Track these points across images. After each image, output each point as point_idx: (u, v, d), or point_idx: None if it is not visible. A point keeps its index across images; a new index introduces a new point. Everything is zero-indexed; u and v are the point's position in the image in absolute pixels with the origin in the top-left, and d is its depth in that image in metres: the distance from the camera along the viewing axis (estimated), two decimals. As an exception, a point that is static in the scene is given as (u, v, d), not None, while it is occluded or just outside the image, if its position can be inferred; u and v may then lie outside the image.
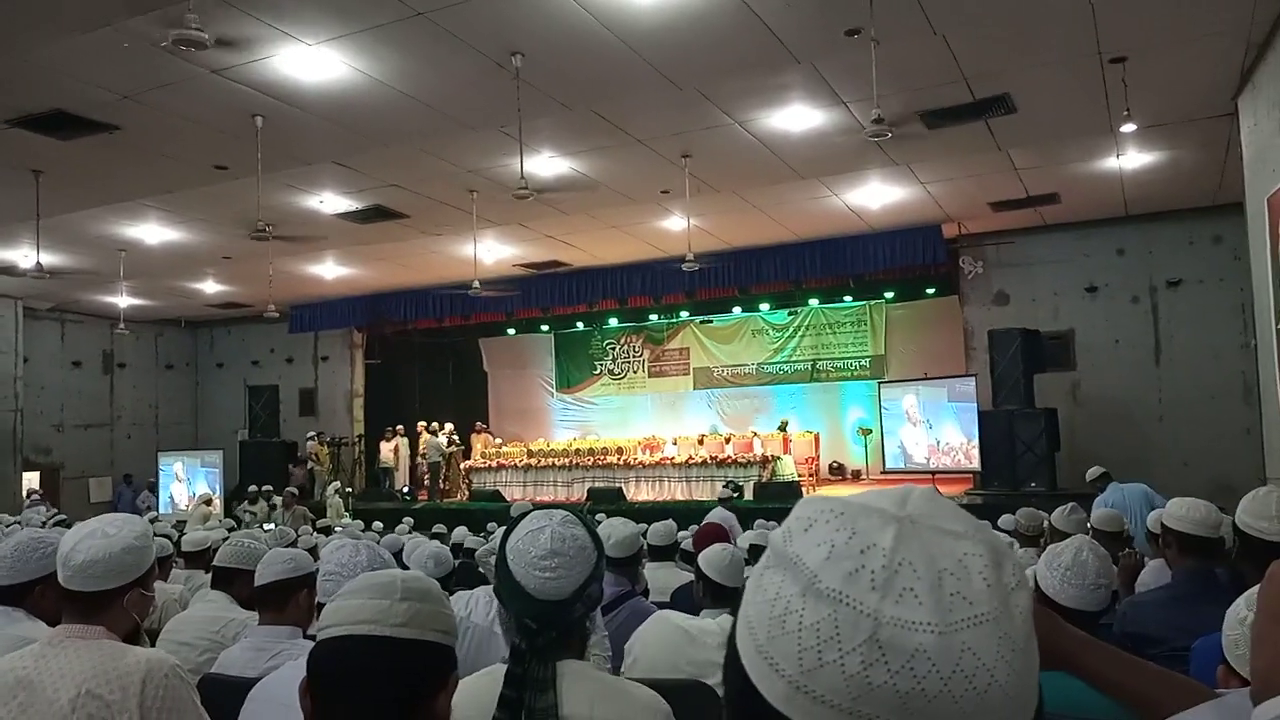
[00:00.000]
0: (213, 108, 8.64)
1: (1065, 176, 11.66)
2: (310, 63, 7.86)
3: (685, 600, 3.96)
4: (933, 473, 14.14)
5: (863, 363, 17.79)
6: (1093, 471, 9.68)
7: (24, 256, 13.86)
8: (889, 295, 16.79)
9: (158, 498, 18.24)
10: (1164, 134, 10.10)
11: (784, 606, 0.58)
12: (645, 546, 5.01)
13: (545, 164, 10.54)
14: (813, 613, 0.56)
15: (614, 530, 3.88)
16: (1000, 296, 14.46)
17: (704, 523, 5.78)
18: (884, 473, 15.67)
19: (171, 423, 20.31)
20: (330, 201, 11.86)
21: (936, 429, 14.18)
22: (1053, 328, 13.68)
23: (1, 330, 17.01)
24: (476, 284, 12.29)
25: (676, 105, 9.00)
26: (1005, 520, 6.81)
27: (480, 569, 5.14)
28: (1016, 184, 11.94)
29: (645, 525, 5.24)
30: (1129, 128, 9.03)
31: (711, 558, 3.14)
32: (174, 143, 9.56)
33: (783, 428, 16.71)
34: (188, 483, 18.83)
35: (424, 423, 18.11)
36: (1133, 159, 10.88)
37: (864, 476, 16.99)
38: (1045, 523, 6.12)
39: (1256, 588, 1.63)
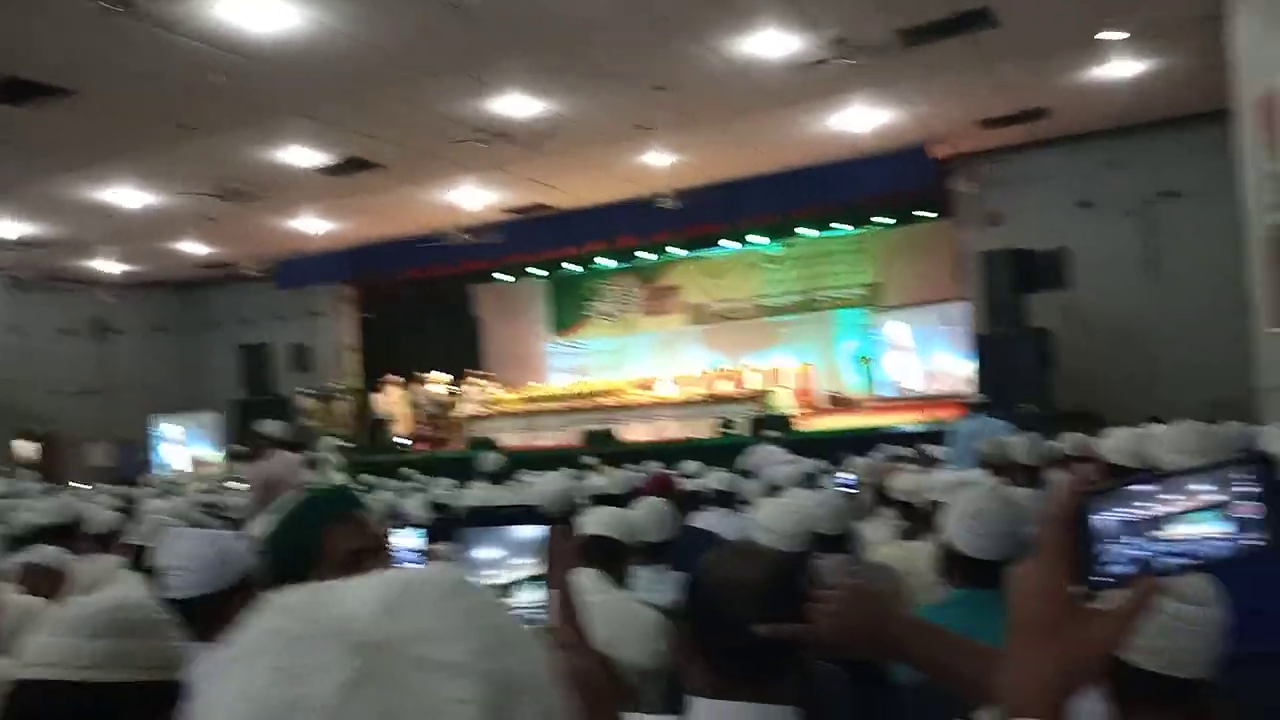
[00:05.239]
0: (165, 65, 8.45)
1: (1054, 89, 11.31)
2: (259, 12, 7.64)
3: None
4: (927, 398, 14.04)
5: (859, 291, 17.56)
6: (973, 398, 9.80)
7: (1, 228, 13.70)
8: (883, 221, 16.44)
9: (151, 461, 18.38)
10: (1153, 40, 9.73)
11: None
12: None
13: (516, 105, 10.28)
14: None
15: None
16: (993, 217, 14.16)
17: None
18: (879, 400, 15.59)
19: (166, 386, 20.26)
20: (303, 155, 11.63)
21: (929, 355, 14.03)
22: (1046, 246, 13.38)
23: (-10, 302, 16.98)
24: (456, 231, 12.11)
25: (642, 35, 8.72)
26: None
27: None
28: (1004, 100, 11.60)
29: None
30: (1114, 35, 8.68)
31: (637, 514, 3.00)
32: (133, 104, 9.36)
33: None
34: (185, 445, 18.94)
35: (422, 373, 18.13)
36: (1123, 67, 10.52)
37: (862, 406, 16.85)
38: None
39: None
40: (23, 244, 12.05)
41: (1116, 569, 0.74)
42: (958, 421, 8.51)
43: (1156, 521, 0.73)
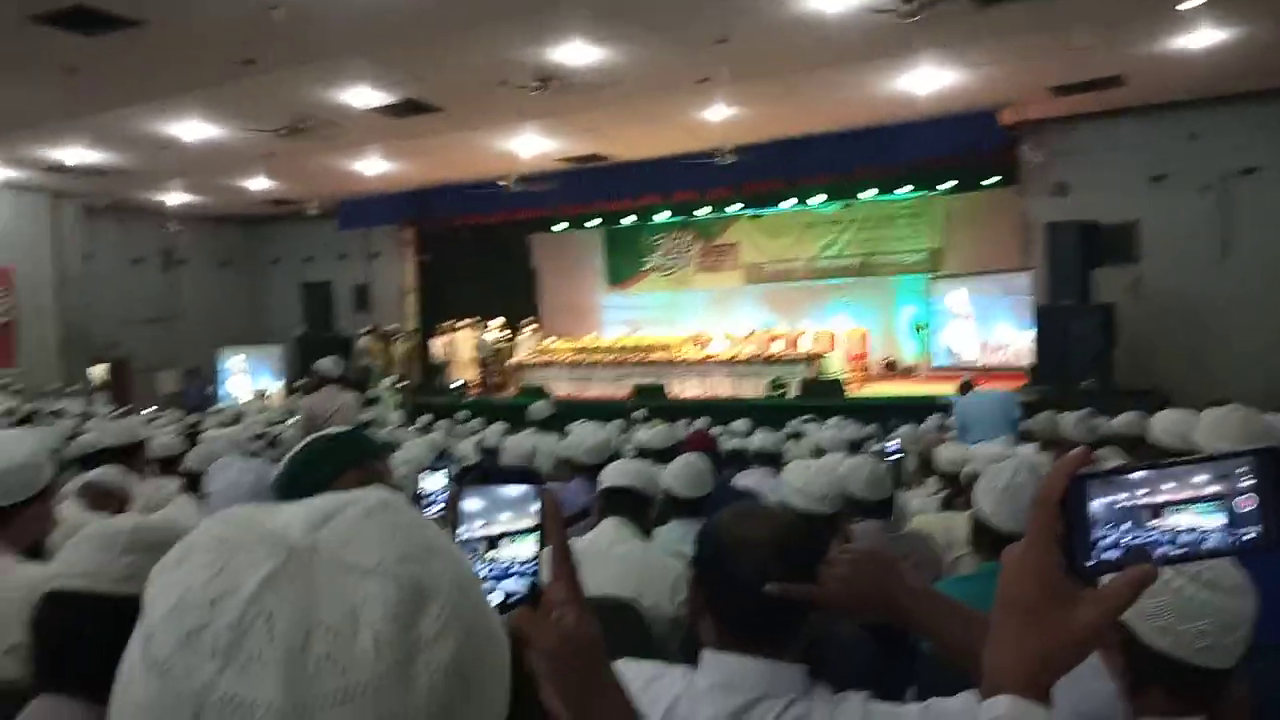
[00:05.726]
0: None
1: (1129, 57, 10.90)
2: (322, -50, 7.64)
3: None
4: (983, 369, 13.82)
5: (918, 256, 17.25)
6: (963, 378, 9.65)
7: (70, 155, 14.02)
8: (946, 186, 16.07)
9: (217, 391, 18.87)
10: (1236, 8, 9.32)
11: (126, 675, 0.46)
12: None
13: (576, 52, 10.20)
14: (142, 688, 0.44)
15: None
16: (1059, 187, 13.78)
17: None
18: (933, 369, 15.40)
19: (231, 318, 20.77)
20: (362, 95, 11.69)
21: (989, 325, 13.78)
22: (1115, 219, 13.01)
23: (65, 229, 17.44)
24: (512, 179, 12.12)
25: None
26: (1028, 422, 6.63)
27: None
28: (1077, 66, 11.21)
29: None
30: (1195, 2, 8.32)
31: (675, 469, 3.03)
32: (197, 37, 9.46)
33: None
34: (251, 376, 19.42)
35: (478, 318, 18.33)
36: (1204, 36, 10.09)
37: (917, 373, 16.67)
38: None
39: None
40: (95, 171, 12.30)
41: (1111, 555, 0.73)
42: (962, 396, 8.38)
43: (1155, 509, 0.73)
